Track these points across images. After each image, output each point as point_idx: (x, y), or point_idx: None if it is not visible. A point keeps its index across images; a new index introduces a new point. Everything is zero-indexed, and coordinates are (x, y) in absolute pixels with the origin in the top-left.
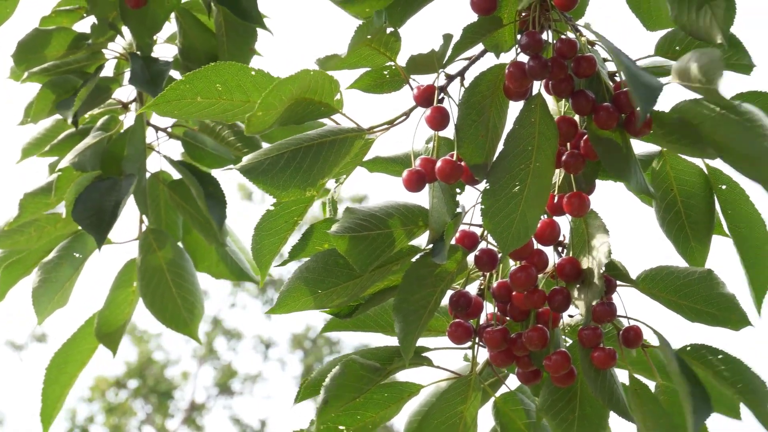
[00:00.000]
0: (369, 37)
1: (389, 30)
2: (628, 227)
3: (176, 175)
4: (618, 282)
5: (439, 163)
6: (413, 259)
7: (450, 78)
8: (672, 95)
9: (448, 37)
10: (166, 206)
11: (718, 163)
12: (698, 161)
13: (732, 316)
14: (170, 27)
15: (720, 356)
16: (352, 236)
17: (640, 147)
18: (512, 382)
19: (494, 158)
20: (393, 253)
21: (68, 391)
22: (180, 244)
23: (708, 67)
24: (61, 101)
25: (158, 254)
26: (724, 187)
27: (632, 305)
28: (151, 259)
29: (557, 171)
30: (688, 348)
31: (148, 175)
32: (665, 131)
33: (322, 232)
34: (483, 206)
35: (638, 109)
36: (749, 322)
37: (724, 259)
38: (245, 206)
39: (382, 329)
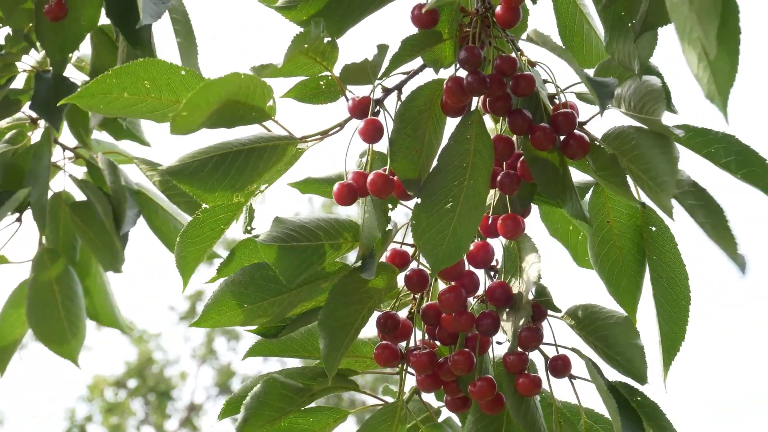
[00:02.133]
0: (306, 45)
1: (327, 39)
2: (565, 254)
3: (79, 196)
4: (547, 310)
5: (370, 177)
6: (341, 276)
7: (387, 91)
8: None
9: (383, 48)
10: (65, 228)
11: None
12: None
13: (634, 370)
14: (80, 51)
15: (638, 398)
16: (280, 246)
17: (578, 175)
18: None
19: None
20: (322, 267)
21: None
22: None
23: (649, 97)
24: None
25: (50, 272)
26: (654, 228)
27: (565, 335)
28: (42, 277)
29: (492, 192)
30: (615, 382)
31: (50, 193)
32: (598, 164)
33: (250, 247)
34: (414, 221)
35: (598, 103)
36: (646, 380)
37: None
38: None
39: (308, 354)
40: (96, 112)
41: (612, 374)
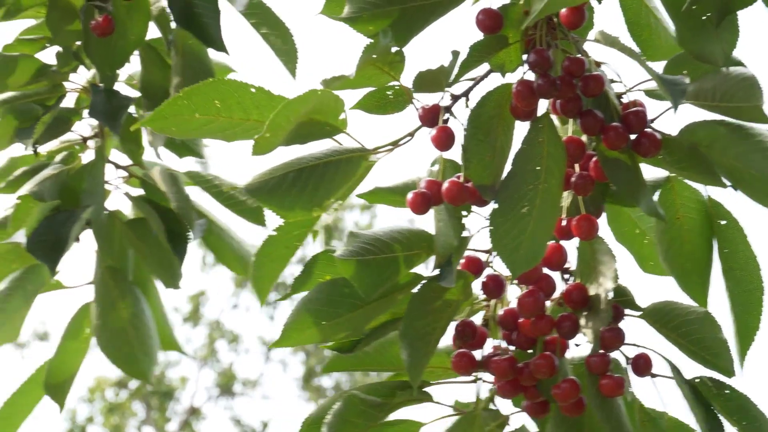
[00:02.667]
0: (374, 56)
1: (394, 49)
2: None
3: (133, 215)
4: (625, 310)
5: (445, 185)
6: (418, 286)
7: (455, 98)
8: (675, 122)
9: (456, 54)
10: (120, 247)
11: (720, 196)
12: (702, 191)
13: (720, 363)
14: (129, 68)
15: (726, 391)
16: (358, 260)
17: (646, 174)
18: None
19: (502, 179)
20: (398, 278)
21: None
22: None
23: (741, 85)
24: (20, 129)
25: (114, 293)
26: (724, 222)
27: (640, 334)
28: (108, 299)
29: (565, 194)
30: (697, 380)
31: (105, 212)
32: (675, 157)
33: (326, 262)
34: (491, 227)
35: (670, 101)
36: (734, 373)
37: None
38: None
39: (382, 367)
40: (169, 135)
41: (697, 369)
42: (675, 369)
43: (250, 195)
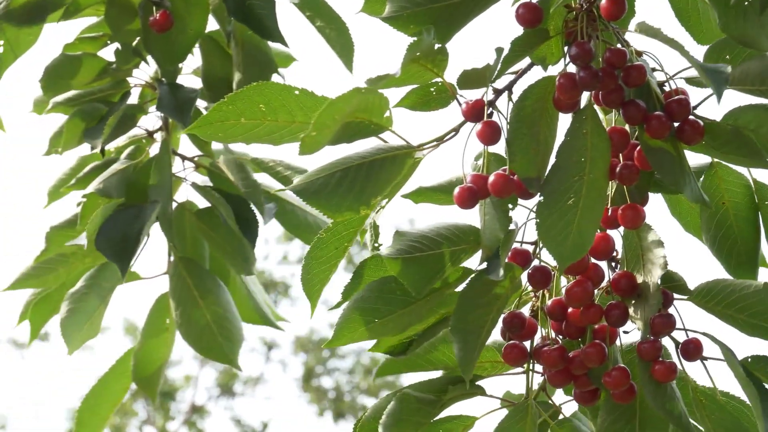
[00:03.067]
0: (418, 54)
1: (437, 46)
2: (679, 238)
3: (202, 204)
4: (674, 295)
5: (492, 178)
6: (467, 280)
7: (498, 92)
8: (716, 108)
9: (500, 50)
10: (192, 237)
11: (764, 177)
12: (747, 174)
13: None
14: (194, 60)
15: None
16: (404, 258)
17: (689, 160)
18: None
19: (547, 171)
20: (446, 274)
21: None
22: None
23: None
24: (88, 129)
25: (190, 283)
26: None
27: (687, 318)
28: (184, 290)
29: (610, 183)
30: (750, 359)
31: (174, 204)
32: (719, 142)
33: (375, 266)
34: (538, 220)
35: (713, 90)
36: None
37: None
38: None
39: (433, 367)
40: (215, 141)
41: (751, 347)
42: (727, 350)
43: (298, 195)
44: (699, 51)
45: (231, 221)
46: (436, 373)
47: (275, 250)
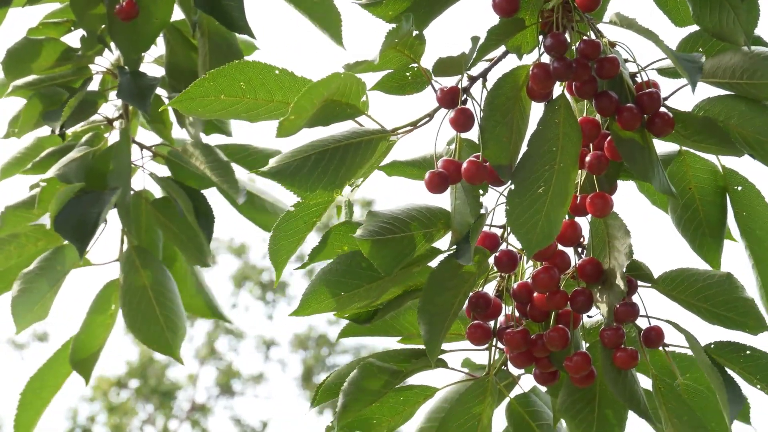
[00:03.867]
0: (396, 41)
1: (414, 33)
2: (644, 227)
3: (159, 194)
4: (639, 282)
5: (465, 165)
6: (436, 262)
7: (472, 79)
8: (687, 98)
9: (475, 39)
10: (147, 226)
11: (733, 164)
12: (714, 161)
13: (750, 321)
14: (156, 49)
15: (747, 352)
16: (375, 240)
17: (658, 148)
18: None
19: (518, 159)
20: (414, 255)
21: (40, 416)
22: None
23: (763, 63)
24: (48, 112)
25: (141, 273)
26: (739, 188)
27: (652, 305)
28: (135, 278)
29: (579, 171)
30: (713, 345)
31: (131, 192)
32: (690, 131)
33: (341, 233)
34: (508, 207)
35: (687, 79)
36: (766, 328)
37: (732, 264)
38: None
39: (398, 333)
40: (195, 115)
41: (714, 335)
42: (691, 337)
43: (272, 177)
44: (677, 33)
45: (189, 214)
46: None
47: None
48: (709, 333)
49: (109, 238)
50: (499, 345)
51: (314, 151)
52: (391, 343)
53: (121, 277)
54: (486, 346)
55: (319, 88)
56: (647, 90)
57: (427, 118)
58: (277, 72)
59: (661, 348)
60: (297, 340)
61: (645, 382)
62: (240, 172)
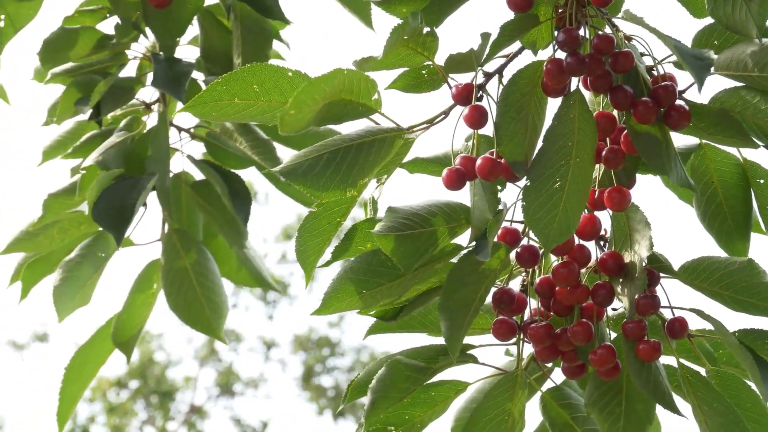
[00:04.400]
0: (405, 37)
1: (426, 30)
2: (667, 219)
3: (198, 176)
4: (660, 274)
5: (479, 161)
6: (456, 258)
7: (488, 76)
8: (704, 90)
9: (486, 36)
10: (187, 208)
11: (756, 157)
12: (736, 154)
13: None
14: (193, 29)
15: None
16: (396, 235)
17: (678, 141)
18: (556, 375)
19: (534, 155)
20: (436, 251)
21: (84, 390)
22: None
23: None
24: (79, 98)
25: (182, 254)
26: (761, 181)
27: (674, 296)
28: (176, 260)
29: (597, 166)
30: (737, 333)
31: (171, 175)
32: (706, 123)
33: (365, 231)
34: (524, 203)
35: (695, 78)
36: None
37: (759, 256)
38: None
39: (426, 329)
40: (209, 119)
41: (738, 323)
42: (718, 323)
43: (284, 177)
44: (696, 26)
45: (224, 196)
46: (427, 338)
47: (274, 249)
48: (734, 322)
49: (152, 217)
50: (527, 340)
51: (326, 151)
52: (408, 342)
53: (162, 260)
54: (514, 340)
55: (319, 84)
56: (663, 83)
57: (443, 116)
58: (290, 74)
59: (687, 338)
60: (297, 341)
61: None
62: (281, 152)
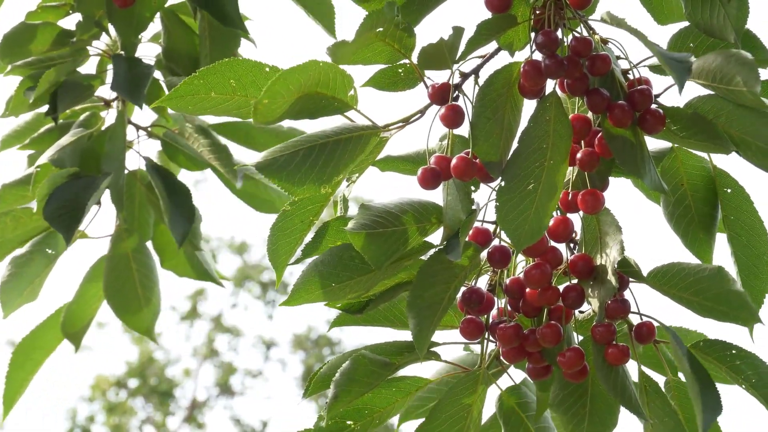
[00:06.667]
0: (380, 28)
1: (402, 25)
2: (635, 223)
3: None
4: (630, 279)
5: (454, 161)
6: (427, 256)
7: (464, 76)
8: (679, 95)
9: (458, 30)
10: (140, 204)
11: (725, 165)
12: (706, 159)
13: (742, 313)
14: (154, 26)
15: (734, 351)
16: (368, 233)
17: (650, 144)
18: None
19: (509, 156)
20: (406, 249)
21: (32, 377)
22: (149, 242)
23: (738, 69)
24: (27, 88)
25: (126, 247)
26: (729, 190)
27: (643, 301)
28: (119, 252)
29: (571, 168)
30: (701, 343)
31: (126, 172)
32: (680, 127)
33: (336, 229)
34: (497, 204)
35: (675, 79)
36: (759, 319)
37: (723, 259)
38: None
39: (391, 324)
40: (185, 113)
41: (707, 328)
42: (675, 339)
43: (260, 171)
44: (660, 31)
45: (166, 214)
46: (391, 332)
47: None
48: (701, 329)
49: (108, 211)
50: (492, 338)
51: (302, 146)
52: (389, 337)
53: (108, 251)
54: (479, 340)
55: (294, 74)
56: (639, 87)
57: (419, 115)
58: (267, 69)
59: (652, 344)
60: (296, 341)
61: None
62: (239, 155)
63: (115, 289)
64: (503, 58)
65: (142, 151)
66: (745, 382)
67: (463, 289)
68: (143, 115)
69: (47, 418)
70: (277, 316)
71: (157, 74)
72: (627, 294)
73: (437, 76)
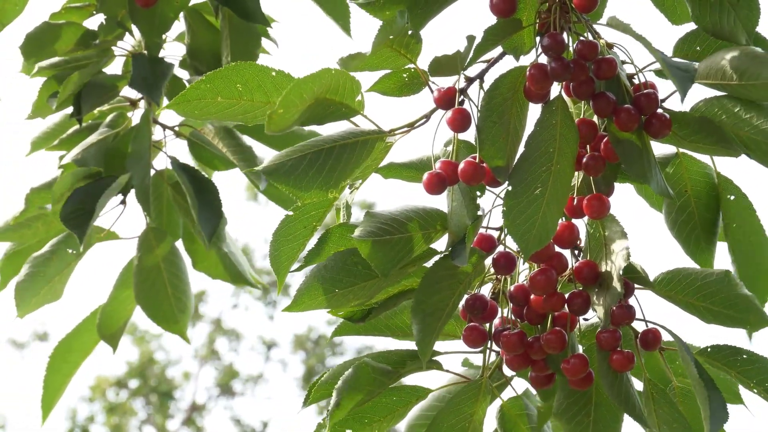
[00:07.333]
0: (391, 37)
1: (410, 32)
2: (637, 232)
3: None
4: (635, 285)
5: (462, 165)
6: (432, 262)
7: (470, 80)
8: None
9: (471, 39)
10: (168, 205)
11: (729, 172)
12: (709, 163)
13: (750, 317)
14: (179, 25)
15: (744, 356)
16: (374, 240)
17: (655, 149)
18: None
19: (515, 160)
20: (412, 257)
21: (69, 380)
22: (180, 242)
23: (752, 63)
24: (50, 95)
25: (156, 252)
26: (732, 197)
27: (648, 308)
28: (149, 258)
29: (576, 173)
30: (709, 349)
31: (153, 172)
32: (686, 131)
33: (338, 236)
34: (505, 208)
35: (678, 88)
36: (767, 323)
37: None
38: (251, 208)
39: (392, 333)
40: (192, 117)
41: (713, 336)
42: (683, 345)
43: (267, 176)
44: (674, 32)
45: (194, 209)
46: (392, 342)
47: None
48: (706, 335)
49: (140, 214)
50: (495, 347)
51: (309, 151)
52: (393, 344)
53: (136, 257)
54: (481, 348)
55: (308, 83)
56: (645, 91)
57: (424, 119)
58: (273, 74)
59: (658, 350)
60: (297, 341)
61: (639, 385)
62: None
63: (148, 297)
64: (508, 63)
65: (170, 152)
66: (757, 387)
67: (466, 296)
68: (172, 115)
69: (47, 417)
70: (277, 316)
71: (184, 74)
72: (632, 301)
73: (442, 81)
